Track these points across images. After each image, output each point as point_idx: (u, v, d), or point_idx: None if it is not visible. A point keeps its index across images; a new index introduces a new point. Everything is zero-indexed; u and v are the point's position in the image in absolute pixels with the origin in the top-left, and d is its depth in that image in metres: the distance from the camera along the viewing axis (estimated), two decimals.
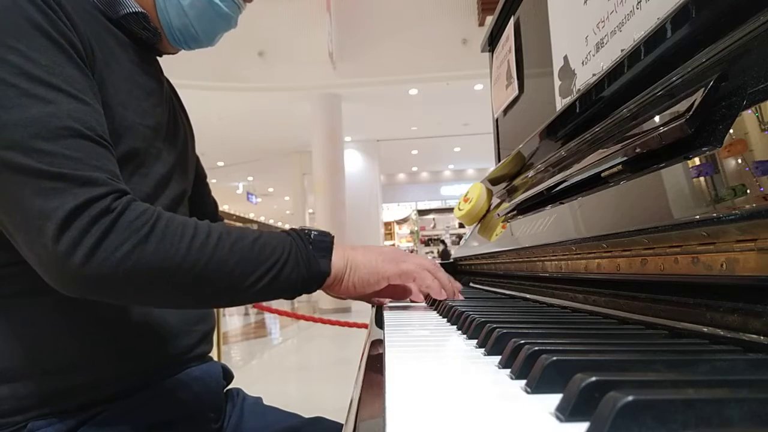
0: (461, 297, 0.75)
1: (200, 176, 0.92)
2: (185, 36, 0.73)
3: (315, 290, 0.65)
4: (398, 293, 0.78)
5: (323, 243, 0.64)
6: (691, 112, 0.40)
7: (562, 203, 0.70)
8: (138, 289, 0.54)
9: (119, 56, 0.66)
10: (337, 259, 0.65)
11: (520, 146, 0.99)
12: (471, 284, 1.21)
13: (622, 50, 0.60)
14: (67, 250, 0.49)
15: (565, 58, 0.90)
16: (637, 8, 0.65)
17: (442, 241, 13.90)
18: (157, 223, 0.53)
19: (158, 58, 0.78)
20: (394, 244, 15.78)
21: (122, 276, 0.51)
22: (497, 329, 0.40)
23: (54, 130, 0.51)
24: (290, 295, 0.62)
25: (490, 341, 0.39)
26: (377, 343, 0.47)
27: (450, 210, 13.52)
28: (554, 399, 0.24)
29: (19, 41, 0.53)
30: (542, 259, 0.74)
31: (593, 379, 0.22)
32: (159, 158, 0.70)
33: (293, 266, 0.60)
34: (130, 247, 0.51)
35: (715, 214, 0.34)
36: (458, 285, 0.77)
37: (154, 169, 0.68)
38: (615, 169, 0.54)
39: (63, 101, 0.53)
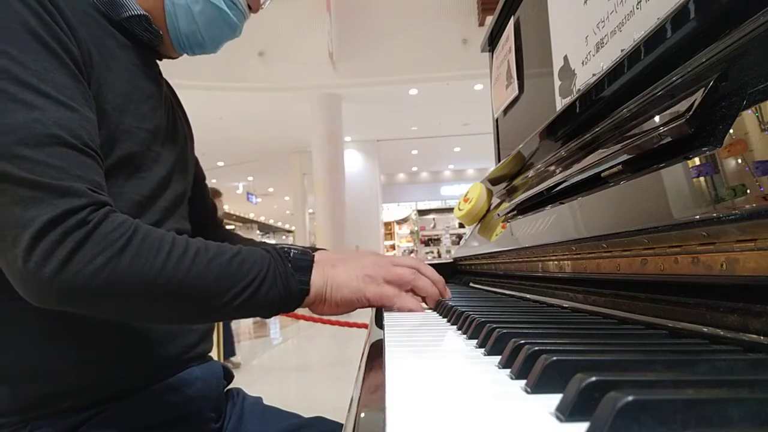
0: (449, 294, 0.72)
1: (199, 178, 0.92)
2: (191, 42, 0.73)
3: (294, 309, 0.63)
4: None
5: (303, 261, 0.63)
6: (691, 112, 0.40)
7: (562, 203, 0.70)
8: (112, 303, 0.53)
9: (119, 59, 0.65)
10: (317, 278, 0.63)
11: (520, 146, 0.99)
12: (471, 284, 1.21)
13: (622, 50, 0.60)
14: (39, 261, 0.48)
15: (565, 58, 0.90)
16: (637, 8, 0.65)
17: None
18: (133, 237, 0.52)
19: (158, 61, 0.77)
20: (393, 245, 15.78)
21: (95, 289, 0.50)
22: (497, 329, 0.40)
23: (38, 137, 0.50)
24: (267, 314, 0.61)
25: (490, 341, 0.39)
26: (377, 343, 0.47)
27: (450, 210, 13.52)
28: (554, 399, 0.24)
29: (10, 45, 0.52)
30: (542, 259, 0.74)
31: (593, 379, 0.22)
32: (158, 161, 0.70)
33: (271, 284, 0.59)
34: (104, 260, 0.50)
35: (715, 214, 0.34)
36: (439, 285, 0.71)
37: (152, 173, 0.68)
38: (615, 169, 0.54)
39: (50, 108, 0.52)
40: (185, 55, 0.79)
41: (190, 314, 0.59)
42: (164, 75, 0.85)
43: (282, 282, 0.60)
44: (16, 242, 0.49)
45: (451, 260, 1.36)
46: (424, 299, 0.71)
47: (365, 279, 0.66)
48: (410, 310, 0.66)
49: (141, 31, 0.69)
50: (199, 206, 0.91)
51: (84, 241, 0.50)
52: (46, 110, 0.52)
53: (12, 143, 0.49)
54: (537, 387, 0.27)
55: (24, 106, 0.51)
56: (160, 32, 0.71)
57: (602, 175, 0.57)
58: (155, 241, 0.54)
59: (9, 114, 0.50)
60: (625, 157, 0.51)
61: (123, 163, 0.63)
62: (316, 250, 0.80)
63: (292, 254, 0.63)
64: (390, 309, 0.71)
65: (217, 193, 4.99)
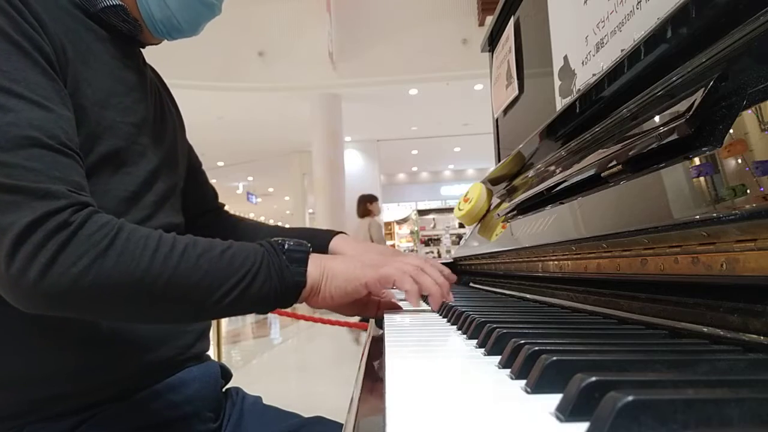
0: (451, 298, 0.68)
1: (194, 165, 0.90)
2: (168, 27, 0.71)
3: (291, 304, 0.61)
4: (388, 306, 0.73)
5: (298, 253, 0.61)
6: (691, 112, 0.40)
7: (562, 203, 0.70)
8: (100, 305, 0.52)
9: (98, 52, 0.64)
10: (313, 269, 0.61)
11: (520, 146, 0.99)
12: (471, 284, 1.21)
13: (622, 50, 0.60)
14: (22, 266, 0.47)
15: (565, 58, 0.90)
16: (637, 8, 0.65)
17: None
18: (117, 236, 0.51)
19: (142, 49, 0.76)
20: (393, 245, 15.78)
21: (81, 292, 0.49)
22: (497, 329, 0.40)
23: (13, 140, 0.49)
24: (264, 309, 0.59)
25: (490, 341, 0.39)
26: (377, 343, 0.47)
27: (450, 210, 13.49)
28: (554, 399, 0.24)
29: None
30: (542, 259, 0.74)
31: (593, 379, 0.22)
32: (144, 155, 0.68)
33: (265, 278, 0.57)
34: (88, 262, 0.49)
35: (715, 214, 0.34)
36: (453, 277, 0.69)
37: (139, 167, 0.67)
38: (615, 169, 0.54)
39: (24, 109, 0.51)
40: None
41: (181, 313, 0.58)
42: (163, 76, 0.85)
43: (277, 275, 0.58)
44: None
45: (451, 260, 1.36)
46: (425, 299, 0.69)
47: (363, 267, 0.64)
48: (406, 292, 0.63)
49: (118, 22, 0.67)
50: (197, 195, 0.90)
51: (67, 244, 0.48)
52: (20, 112, 0.51)
53: None
54: (537, 387, 0.27)
55: None
56: (138, 21, 0.70)
57: (602, 175, 0.57)
58: (141, 240, 0.53)
59: None
60: (625, 157, 0.51)
61: (107, 159, 0.62)
62: (338, 233, 0.78)
63: (286, 246, 0.61)
64: (384, 295, 0.69)
65: (372, 199, 5.07)
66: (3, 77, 0.51)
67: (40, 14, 0.56)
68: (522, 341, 0.34)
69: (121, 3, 0.67)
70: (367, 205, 5.08)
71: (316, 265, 0.62)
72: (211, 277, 0.55)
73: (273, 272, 0.58)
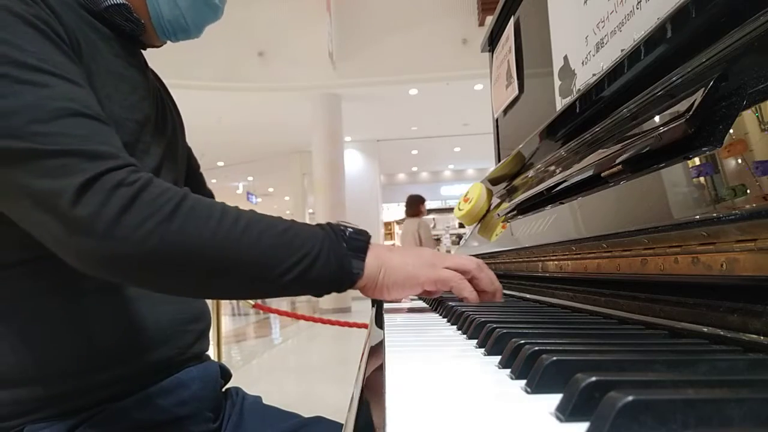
0: (500, 299, 0.69)
1: (193, 167, 0.90)
2: (175, 27, 0.72)
3: (345, 290, 0.61)
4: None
5: (358, 242, 0.61)
6: (691, 112, 0.40)
7: (562, 203, 0.70)
8: (160, 272, 0.51)
9: (103, 50, 0.64)
10: (371, 260, 0.61)
11: (520, 146, 0.99)
12: None
13: (622, 50, 0.60)
14: (88, 221, 0.47)
15: (565, 58, 0.90)
16: (637, 8, 0.65)
17: None
18: (182, 203, 0.51)
19: (143, 51, 0.76)
20: (393, 245, 15.76)
21: (144, 256, 0.48)
22: (497, 329, 0.40)
23: (52, 111, 0.49)
24: (318, 292, 0.59)
25: (490, 341, 0.39)
26: (377, 343, 0.47)
27: (450, 210, 13.49)
28: (554, 399, 0.24)
29: (2, 30, 0.51)
30: (542, 259, 0.74)
31: (593, 379, 0.22)
32: (147, 152, 0.69)
33: (324, 262, 0.57)
34: (152, 225, 0.48)
35: (715, 214, 0.34)
36: (499, 286, 0.71)
37: (143, 164, 0.67)
38: (615, 169, 0.54)
39: (57, 84, 0.51)
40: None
41: (238, 287, 0.57)
42: (163, 76, 0.85)
43: (336, 260, 0.58)
44: (55, 212, 0.47)
45: None
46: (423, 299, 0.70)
47: (423, 264, 0.64)
48: (465, 299, 0.64)
49: (122, 21, 0.68)
50: None
51: (130, 204, 0.48)
52: (54, 87, 0.51)
53: (26, 122, 0.48)
54: (537, 387, 0.27)
55: (31, 86, 0.50)
56: (142, 21, 0.70)
57: (602, 175, 0.57)
58: (205, 209, 0.52)
59: (17, 96, 0.49)
60: (625, 157, 0.51)
61: None
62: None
63: (347, 233, 0.61)
64: (431, 294, 0.68)
65: (422, 200, 5.32)
66: (32, 57, 0.51)
67: (54, 8, 0.57)
68: (522, 341, 0.34)
69: (125, 2, 0.67)
70: (419, 205, 5.40)
71: (375, 256, 0.62)
72: (272, 254, 0.54)
73: (332, 258, 0.58)
